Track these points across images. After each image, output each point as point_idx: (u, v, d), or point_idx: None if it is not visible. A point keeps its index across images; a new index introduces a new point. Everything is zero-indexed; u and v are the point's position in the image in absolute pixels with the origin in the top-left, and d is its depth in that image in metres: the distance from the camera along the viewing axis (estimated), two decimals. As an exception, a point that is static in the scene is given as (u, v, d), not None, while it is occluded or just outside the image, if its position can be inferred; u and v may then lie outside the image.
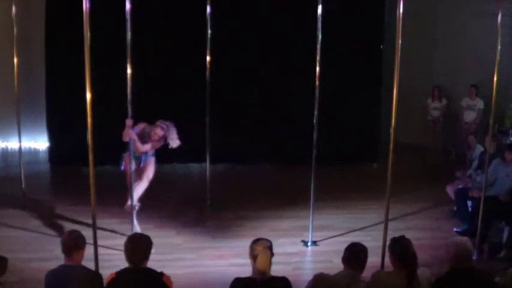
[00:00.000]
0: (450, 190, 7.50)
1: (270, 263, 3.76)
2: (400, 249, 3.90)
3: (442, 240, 6.15)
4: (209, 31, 7.28)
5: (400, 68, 4.54)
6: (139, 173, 6.38)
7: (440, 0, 10.80)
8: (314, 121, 6.31)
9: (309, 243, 6.43)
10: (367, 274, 3.92)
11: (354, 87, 9.48)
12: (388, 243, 4.05)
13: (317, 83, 6.23)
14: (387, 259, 4.37)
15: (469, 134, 8.90)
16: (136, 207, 6.18)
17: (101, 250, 4.60)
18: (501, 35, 5.85)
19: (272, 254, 3.81)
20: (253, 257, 3.76)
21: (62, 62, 8.72)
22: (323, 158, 6.61)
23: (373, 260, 3.93)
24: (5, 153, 10.26)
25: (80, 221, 6.63)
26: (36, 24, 9.06)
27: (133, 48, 5.75)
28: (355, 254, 3.88)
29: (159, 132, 6.35)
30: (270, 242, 3.88)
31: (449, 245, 4.06)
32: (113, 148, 6.32)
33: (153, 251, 3.87)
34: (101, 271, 4.12)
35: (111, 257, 5.30)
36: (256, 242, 3.84)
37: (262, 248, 3.74)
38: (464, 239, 4.21)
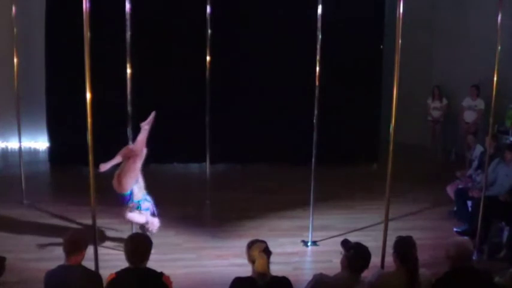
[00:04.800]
0: (450, 190, 7.50)
1: (269, 264, 3.77)
2: (403, 248, 3.91)
3: (442, 240, 6.16)
4: (209, 31, 7.29)
5: (400, 68, 4.54)
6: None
7: (440, 1, 10.80)
8: (314, 121, 6.31)
9: (309, 243, 6.43)
10: (366, 274, 3.92)
11: (354, 87, 9.48)
12: (394, 239, 4.05)
13: (317, 83, 6.24)
14: (387, 259, 4.39)
15: (469, 134, 8.91)
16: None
17: (101, 250, 4.60)
18: (501, 35, 5.85)
19: (270, 253, 3.82)
20: (251, 261, 3.78)
21: (62, 62, 8.72)
22: (323, 158, 6.61)
23: (373, 260, 3.93)
24: (5, 153, 10.26)
25: (80, 221, 6.64)
26: (36, 24, 9.06)
27: (133, 48, 5.75)
28: (362, 260, 3.85)
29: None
30: (264, 242, 3.88)
31: (449, 245, 4.06)
32: (112, 148, 6.31)
33: (153, 251, 3.87)
34: (101, 271, 4.13)
35: (111, 257, 5.31)
36: (251, 246, 3.84)
37: (258, 253, 3.75)
38: (465, 239, 4.21)
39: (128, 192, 5.91)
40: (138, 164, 5.89)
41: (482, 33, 8.73)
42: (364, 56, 9.49)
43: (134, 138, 6.11)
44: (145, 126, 6.01)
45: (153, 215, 6.12)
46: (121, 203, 6.00)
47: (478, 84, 9.76)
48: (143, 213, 6.11)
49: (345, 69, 9.31)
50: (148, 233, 5.87)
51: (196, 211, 7.43)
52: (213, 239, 6.52)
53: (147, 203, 6.10)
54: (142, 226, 6.09)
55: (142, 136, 5.99)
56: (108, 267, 4.18)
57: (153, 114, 6.05)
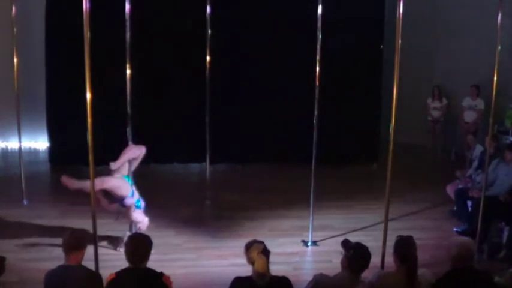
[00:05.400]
0: (450, 190, 7.51)
1: (268, 263, 3.77)
2: (403, 249, 3.91)
3: (442, 240, 6.19)
4: (209, 31, 7.28)
5: (400, 68, 4.54)
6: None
7: (440, 1, 10.80)
8: (314, 121, 6.31)
9: (309, 243, 6.43)
10: (366, 274, 3.92)
11: (354, 87, 9.48)
12: (395, 239, 4.05)
13: (317, 83, 6.23)
14: (387, 259, 4.39)
15: (469, 134, 8.91)
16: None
17: (101, 250, 4.61)
18: (501, 35, 5.85)
19: (269, 252, 3.82)
20: (251, 263, 3.79)
21: (62, 62, 8.72)
22: (323, 158, 6.61)
23: (373, 260, 3.93)
24: (5, 153, 10.25)
25: (80, 221, 6.62)
26: (36, 24, 9.05)
27: (133, 48, 5.75)
28: (362, 260, 3.86)
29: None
30: (262, 243, 3.89)
31: (451, 245, 4.06)
32: (112, 148, 6.32)
33: (153, 251, 3.87)
34: (101, 271, 4.13)
35: (111, 257, 5.31)
36: (249, 248, 3.85)
37: (256, 254, 3.76)
38: (468, 239, 4.22)
39: (130, 193, 5.97)
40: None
41: (482, 33, 8.72)
42: (364, 56, 9.49)
43: (134, 138, 6.13)
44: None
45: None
46: (124, 204, 6.05)
47: (478, 84, 9.78)
48: (142, 212, 6.17)
49: (345, 69, 9.30)
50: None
51: (196, 211, 7.42)
52: (213, 239, 6.52)
53: (143, 202, 6.17)
54: (132, 225, 6.15)
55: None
56: (108, 267, 4.18)
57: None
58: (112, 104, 7.26)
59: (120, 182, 5.96)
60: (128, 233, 6.02)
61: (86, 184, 5.63)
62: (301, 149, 7.46)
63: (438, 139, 10.75)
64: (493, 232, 6.43)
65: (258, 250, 3.78)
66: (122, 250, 5.71)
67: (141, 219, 6.11)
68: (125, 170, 6.10)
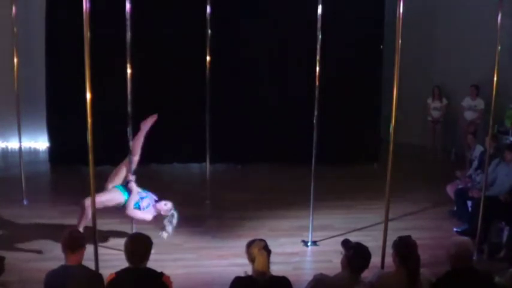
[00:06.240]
0: (450, 190, 7.51)
1: (269, 262, 3.77)
2: (404, 249, 3.91)
3: (442, 240, 6.17)
4: (209, 31, 7.29)
5: (400, 68, 4.54)
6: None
7: (440, 1, 10.80)
8: (314, 121, 6.31)
9: (309, 243, 6.43)
10: (366, 274, 3.92)
11: (354, 87, 9.49)
12: (394, 240, 4.05)
13: (317, 83, 6.24)
14: (387, 259, 4.38)
15: (469, 134, 8.91)
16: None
17: (101, 250, 4.60)
18: (501, 35, 5.85)
19: (269, 251, 3.82)
20: (251, 260, 3.78)
21: (62, 62, 8.72)
22: (323, 158, 6.61)
23: (373, 260, 3.93)
24: (5, 153, 10.26)
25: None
26: (36, 24, 9.05)
27: (133, 48, 5.74)
28: (362, 260, 3.85)
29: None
30: (263, 241, 3.89)
31: (450, 244, 4.06)
32: (112, 148, 6.33)
33: (153, 251, 3.87)
34: (101, 271, 4.12)
35: (111, 257, 5.30)
36: (250, 245, 3.84)
37: (257, 251, 3.75)
38: (466, 239, 4.22)
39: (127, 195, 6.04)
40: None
41: (482, 33, 8.73)
42: (364, 56, 9.49)
43: (134, 139, 6.12)
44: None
45: (156, 201, 6.26)
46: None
47: (478, 84, 9.78)
48: (146, 211, 6.15)
49: (345, 69, 9.31)
50: (170, 219, 6.16)
51: (196, 211, 7.42)
52: (213, 239, 6.52)
53: (145, 201, 6.16)
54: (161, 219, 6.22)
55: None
56: (108, 267, 4.18)
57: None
58: (112, 104, 7.26)
59: (110, 194, 6.03)
60: (167, 220, 6.18)
61: (84, 219, 5.86)
62: (301, 149, 7.46)
63: (438, 139, 10.75)
64: (493, 232, 6.43)
65: (259, 247, 3.78)
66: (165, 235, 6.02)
67: (145, 217, 6.11)
68: (119, 180, 6.14)
